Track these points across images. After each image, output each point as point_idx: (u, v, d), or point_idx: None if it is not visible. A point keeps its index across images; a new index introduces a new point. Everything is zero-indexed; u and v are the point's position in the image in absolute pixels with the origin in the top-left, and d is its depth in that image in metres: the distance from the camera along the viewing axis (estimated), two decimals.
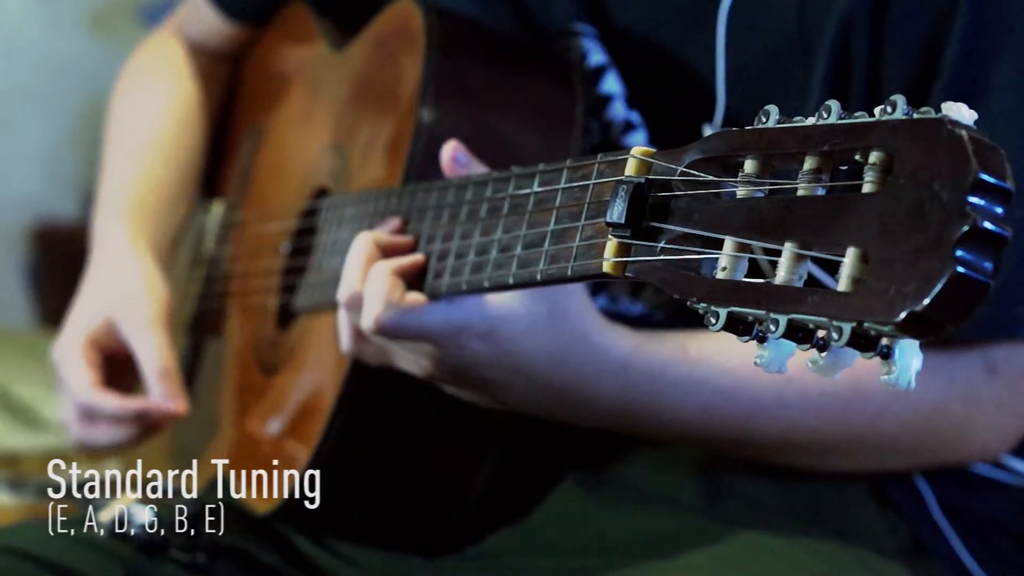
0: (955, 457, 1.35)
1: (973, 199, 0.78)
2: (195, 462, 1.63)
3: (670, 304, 1.40)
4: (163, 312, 1.58)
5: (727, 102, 1.37)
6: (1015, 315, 1.28)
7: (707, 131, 1.38)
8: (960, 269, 0.78)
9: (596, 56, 1.44)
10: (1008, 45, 1.28)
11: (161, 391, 1.54)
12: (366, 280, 1.22)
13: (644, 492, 1.40)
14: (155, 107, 1.75)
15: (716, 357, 1.29)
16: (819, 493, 1.37)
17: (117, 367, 1.59)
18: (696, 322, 0.91)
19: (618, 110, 1.44)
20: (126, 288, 1.60)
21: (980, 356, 1.30)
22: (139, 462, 1.81)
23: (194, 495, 1.47)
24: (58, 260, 3.29)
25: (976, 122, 0.81)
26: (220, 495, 1.51)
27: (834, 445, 1.33)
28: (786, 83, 1.34)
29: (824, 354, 0.85)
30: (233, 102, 1.80)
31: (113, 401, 1.54)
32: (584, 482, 1.43)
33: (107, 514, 1.40)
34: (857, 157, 0.84)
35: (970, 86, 1.27)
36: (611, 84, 1.44)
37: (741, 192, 0.90)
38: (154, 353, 1.55)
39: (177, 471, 1.64)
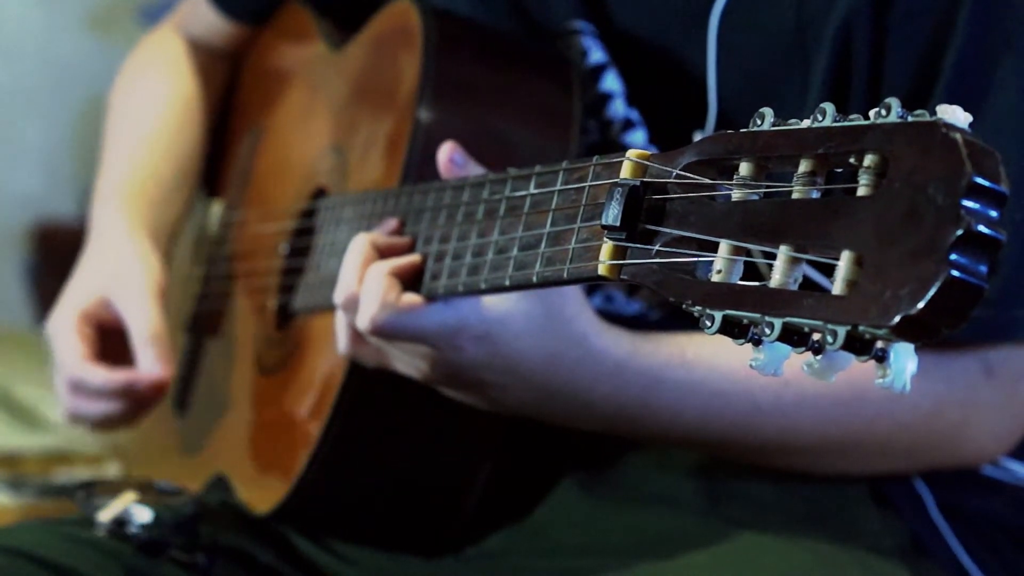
0: (952, 460, 1.35)
1: (967, 202, 0.78)
2: (195, 462, 1.63)
3: (667, 303, 1.40)
4: (156, 284, 1.58)
5: (720, 105, 1.37)
6: (1013, 318, 1.27)
7: (697, 137, 1.38)
8: (955, 273, 0.78)
9: (596, 54, 1.44)
10: (1010, 45, 1.28)
11: (148, 355, 1.53)
12: (363, 281, 1.22)
13: (644, 493, 1.40)
14: (155, 101, 1.75)
15: (714, 360, 1.28)
16: (818, 494, 1.37)
17: (112, 343, 1.58)
18: (693, 321, 0.91)
19: (618, 108, 1.43)
20: (121, 265, 1.61)
21: (978, 359, 1.30)
22: (139, 463, 1.82)
23: (194, 495, 1.47)
24: (58, 260, 3.28)
25: (976, 123, 0.81)
26: (220, 495, 1.52)
27: (831, 448, 1.33)
28: (783, 85, 1.34)
29: (819, 357, 0.85)
30: (232, 102, 1.80)
31: (100, 373, 1.54)
32: (584, 482, 1.43)
33: (107, 514, 1.40)
34: (852, 160, 0.84)
35: (972, 86, 1.27)
36: (611, 82, 1.44)
37: (736, 195, 0.90)
38: (144, 319, 1.55)
39: (177, 471, 1.65)
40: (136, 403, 1.55)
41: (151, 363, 1.52)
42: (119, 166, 1.71)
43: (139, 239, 1.63)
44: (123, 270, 1.60)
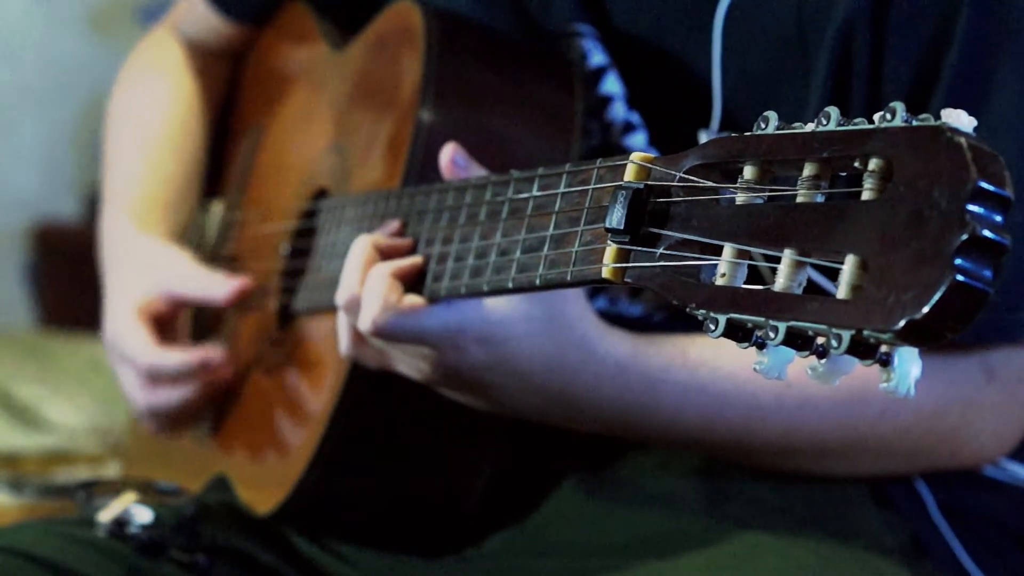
0: (953, 461, 1.35)
1: (972, 207, 0.78)
2: (196, 462, 1.63)
3: (670, 305, 1.40)
4: (198, 264, 1.58)
5: (724, 104, 1.37)
6: (1014, 320, 1.27)
7: (703, 136, 1.38)
8: (959, 277, 0.78)
9: (596, 57, 1.44)
10: (1010, 47, 1.28)
11: (224, 285, 1.53)
12: (364, 283, 1.22)
13: (645, 493, 1.40)
14: (156, 104, 1.75)
15: (716, 361, 1.29)
16: (819, 494, 1.37)
17: (166, 335, 1.58)
18: (696, 324, 0.91)
19: (618, 111, 1.43)
20: (157, 257, 1.60)
21: (979, 361, 1.30)
22: (139, 463, 1.82)
23: (194, 495, 1.47)
24: (58, 260, 3.30)
25: (976, 127, 0.81)
26: (220, 495, 1.52)
27: (833, 449, 1.33)
28: (785, 85, 1.34)
29: (823, 361, 0.85)
30: (233, 102, 1.80)
31: (175, 355, 1.53)
32: (585, 483, 1.43)
33: (107, 514, 1.40)
34: (856, 164, 0.84)
35: (972, 87, 1.27)
36: (611, 85, 1.44)
37: (740, 198, 0.90)
38: (205, 277, 1.55)
39: (177, 471, 1.65)
40: (211, 386, 1.54)
41: (226, 286, 1.53)
42: (127, 172, 1.71)
43: (157, 240, 1.64)
44: (161, 259, 1.60)
